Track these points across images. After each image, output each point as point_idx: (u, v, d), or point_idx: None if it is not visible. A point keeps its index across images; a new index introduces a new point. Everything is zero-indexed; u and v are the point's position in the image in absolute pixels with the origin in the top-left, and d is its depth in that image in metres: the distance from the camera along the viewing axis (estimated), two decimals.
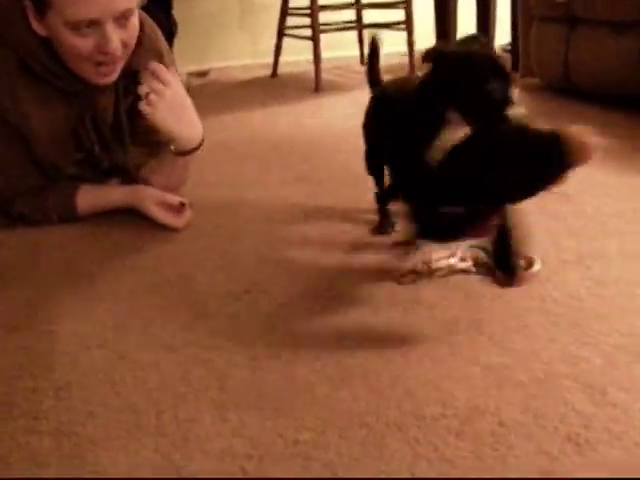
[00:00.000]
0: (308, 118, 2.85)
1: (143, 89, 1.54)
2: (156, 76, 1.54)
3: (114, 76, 1.57)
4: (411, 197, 1.25)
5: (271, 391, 1.00)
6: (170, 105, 1.55)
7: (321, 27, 3.49)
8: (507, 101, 1.10)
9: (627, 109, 2.59)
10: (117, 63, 1.55)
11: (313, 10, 3.39)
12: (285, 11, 3.79)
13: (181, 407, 0.98)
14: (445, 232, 1.20)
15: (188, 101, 1.63)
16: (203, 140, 1.68)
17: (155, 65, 1.56)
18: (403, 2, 3.61)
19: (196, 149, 1.67)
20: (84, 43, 1.47)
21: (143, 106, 1.55)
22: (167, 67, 1.69)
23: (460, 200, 1.14)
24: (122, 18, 1.48)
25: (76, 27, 1.44)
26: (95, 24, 1.45)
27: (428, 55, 1.19)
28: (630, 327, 1.12)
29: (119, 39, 1.49)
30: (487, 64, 1.13)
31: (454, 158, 1.13)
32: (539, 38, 3.03)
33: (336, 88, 3.51)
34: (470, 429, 0.90)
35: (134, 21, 1.53)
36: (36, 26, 1.50)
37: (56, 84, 1.59)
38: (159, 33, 1.75)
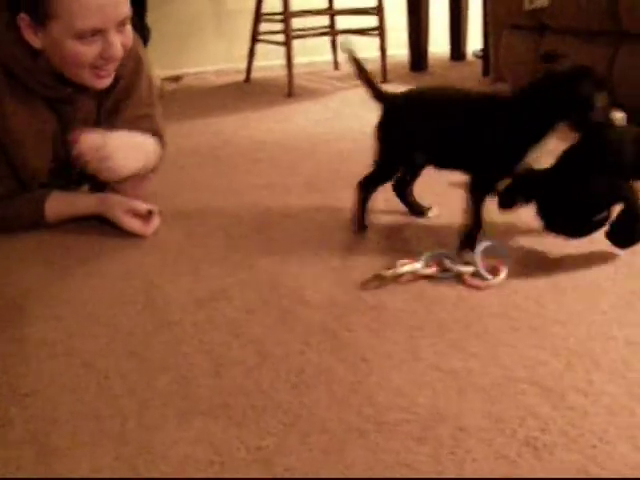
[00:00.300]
0: (280, 123, 2.86)
1: (89, 170, 1.56)
2: (87, 147, 1.55)
3: (111, 78, 1.62)
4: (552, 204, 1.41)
5: (236, 397, 1.01)
6: (119, 155, 1.57)
7: (294, 33, 3.51)
8: (610, 107, 1.37)
9: None
10: (114, 65, 1.59)
11: (285, 16, 3.40)
12: (259, 16, 3.80)
13: (145, 414, 0.99)
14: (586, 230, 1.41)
15: (131, 136, 1.65)
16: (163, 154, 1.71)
17: (78, 137, 1.56)
18: (375, 9, 3.63)
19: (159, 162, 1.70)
20: (89, 50, 1.51)
21: (100, 178, 1.59)
22: (143, 71, 1.72)
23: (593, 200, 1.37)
24: (121, 24, 1.54)
25: (82, 36, 1.49)
26: (100, 32, 1.50)
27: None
28: (588, 332, 1.14)
29: (120, 44, 1.54)
30: (590, 78, 1.35)
31: (578, 163, 1.39)
32: (509, 45, 3.07)
33: (309, 93, 3.52)
34: (430, 434, 0.91)
35: (129, 26, 1.58)
36: (31, 38, 1.52)
37: (44, 94, 1.61)
38: (137, 37, 1.77)
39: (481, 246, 1.36)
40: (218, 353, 1.13)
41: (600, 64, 2.55)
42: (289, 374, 1.06)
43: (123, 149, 1.58)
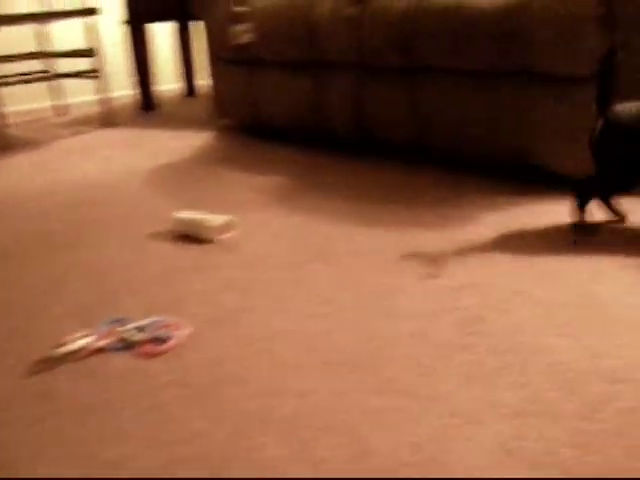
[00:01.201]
0: None
1: None
2: None
3: None
4: None
5: None
6: None
7: (3, 79, 3.27)
8: None
9: (305, 145, 2.69)
10: None
11: None
12: None
13: None
14: None
15: None
16: None
17: None
18: (89, 51, 3.47)
19: None
20: None
21: None
22: None
23: None
24: None
25: None
26: None
27: None
28: (262, 388, 1.09)
29: None
30: None
31: None
32: (226, 80, 3.05)
33: (23, 145, 3.27)
34: None
35: None
36: None
37: None
38: None
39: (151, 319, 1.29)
40: None
41: (309, 95, 2.60)
42: None
43: None
